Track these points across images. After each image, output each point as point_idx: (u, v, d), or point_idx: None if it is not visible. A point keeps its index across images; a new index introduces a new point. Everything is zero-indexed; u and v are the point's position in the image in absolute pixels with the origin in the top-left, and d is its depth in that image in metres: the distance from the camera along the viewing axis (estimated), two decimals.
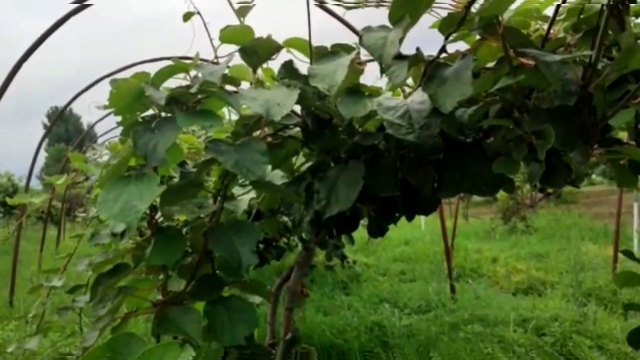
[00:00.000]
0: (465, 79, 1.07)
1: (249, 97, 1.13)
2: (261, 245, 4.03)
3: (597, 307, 4.94)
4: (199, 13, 1.57)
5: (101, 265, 1.20)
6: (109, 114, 1.24)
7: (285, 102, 1.10)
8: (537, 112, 1.18)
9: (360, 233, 10.07)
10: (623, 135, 1.60)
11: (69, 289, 2.39)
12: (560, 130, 1.11)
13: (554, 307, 5.07)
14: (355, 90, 1.31)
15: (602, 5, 1.03)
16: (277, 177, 1.70)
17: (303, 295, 3.57)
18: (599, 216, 12.44)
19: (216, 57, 1.34)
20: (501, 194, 12.56)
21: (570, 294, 5.63)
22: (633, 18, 1.43)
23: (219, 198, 1.29)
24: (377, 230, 1.91)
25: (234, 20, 1.42)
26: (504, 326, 4.48)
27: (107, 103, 1.14)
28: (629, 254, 1.65)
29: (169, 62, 1.25)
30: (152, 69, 1.24)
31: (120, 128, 1.24)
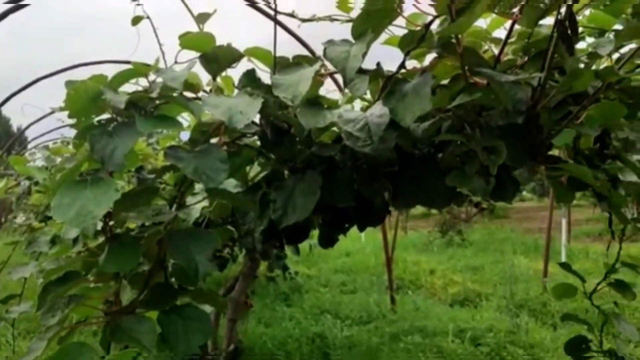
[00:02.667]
0: (424, 95, 1.10)
1: (212, 104, 1.12)
2: None
3: (529, 318, 5.16)
4: (148, 17, 1.54)
5: (51, 273, 1.15)
6: (44, 116, 1.20)
7: (247, 111, 1.11)
8: (488, 129, 1.24)
9: (302, 244, 10.07)
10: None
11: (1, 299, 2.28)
12: (510, 147, 1.16)
13: (488, 318, 5.26)
14: (315, 102, 1.33)
15: (553, 30, 1.09)
16: (231, 185, 1.69)
17: (246, 306, 3.54)
18: (529, 231, 13.00)
19: (176, 62, 1.32)
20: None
21: (504, 305, 5.85)
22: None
23: (174, 205, 1.27)
24: (327, 240, 1.93)
25: (188, 24, 1.41)
26: (442, 337, 4.60)
27: (62, 105, 1.11)
28: (566, 267, 1.74)
29: (115, 65, 1.23)
30: (96, 71, 1.21)
31: (55, 132, 1.20)
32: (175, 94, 1.16)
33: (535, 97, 1.20)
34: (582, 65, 1.37)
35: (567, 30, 1.06)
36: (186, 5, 1.47)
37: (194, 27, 1.39)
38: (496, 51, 1.48)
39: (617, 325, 1.60)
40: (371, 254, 10.04)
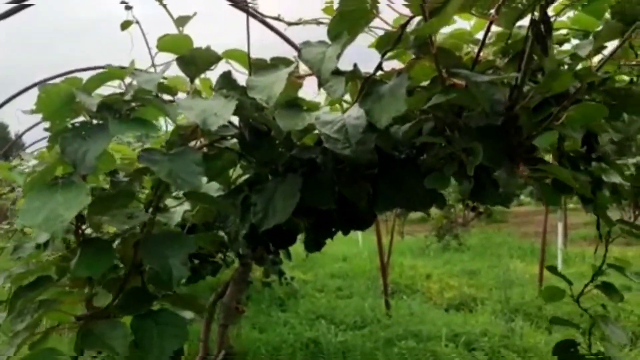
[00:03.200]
0: (400, 96, 1.10)
1: (186, 107, 1.11)
2: (196, 261, 3.93)
3: (523, 322, 5.14)
4: (137, 22, 1.53)
5: (21, 277, 1.14)
6: (40, 122, 1.19)
7: (222, 112, 1.10)
8: (467, 130, 1.23)
9: (299, 249, 10.06)
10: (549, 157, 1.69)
11: None
12: (488, 148, 1.15)
13: (483, 322, 5.23)
14: (293, 104, 1.32)
15: (528, 31, 1.09)
16: (213, 189, 1.68)
17: (238, 311, 3.52)
18: (526, 235, 12.99)
19: (153, 65, 1.31)
20: (435, 212, 12.91)
21: (499, 309, 5.83)
22: (557, 45, 1.53)
23: (150, 209, 1.25)
24: (314, 244, 1.92)
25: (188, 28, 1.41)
26: (437, 341, 4.58)
27: (34, 108, 1.10)
28: (552, 270, 1.73)
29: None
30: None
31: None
32: (150, 97, 1.15)
33: (512, 98, 1.19)
34: (566, 67, 1.37)
35: (542, 31, 1.06)
36: (165, 8, 1.46)
37: (193, 31, 1.38)
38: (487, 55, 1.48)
39: (604, 329, 1.59)
40: (368, 259, 10.02)
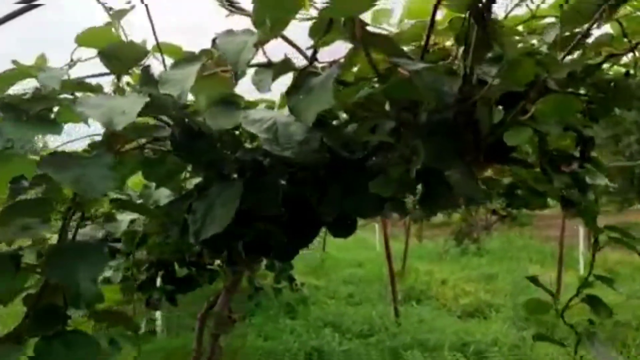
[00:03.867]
0: (327, 89, 0.97)
1: (91, 105, 1.00)
2: (193, 268, 3.84)
3: (536, 331, 4.92)
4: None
5: None
6: None
7: (130, 110, 0.98)
8: (416, 127, 1.10)
9: (314, 254, 9.90)
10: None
11: None
12: (434, 147, 1.02)
13: (496, 330, 5.03)
14: (228, 101, 1.20)
15: (469, 13, 0.95)
16: (163, 195, 1.56)
17: (230, 320, 3.41)
18: (549, 239, 12.63)
19: (72, 61, 1.21)
20: (455, 216, 12.66)
21: (513, 316, 5.61)
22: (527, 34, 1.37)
23: (67, 218, 1.14)
24: (285, 254, 1.82)
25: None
26: (444, 351, 4.40)
27: None
28: (534, 280, 1.57)
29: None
30: None
31: None
32: (55, 96, 1.04)
33: (464, 90, 1.05)
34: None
35: (481, 12, 0.92)
36: (101, 3, 1.35)
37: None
38: (444, 42, 1.34)
39: (589, 346, 1.43)
40: (383, 264, 9.83)
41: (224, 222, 1.22)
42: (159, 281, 3.93)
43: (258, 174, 1.33)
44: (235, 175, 1.33)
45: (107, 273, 2.42)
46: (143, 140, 1.31)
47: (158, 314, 5.75)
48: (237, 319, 3.53)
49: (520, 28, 1.35)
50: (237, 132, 1.40)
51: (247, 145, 1.38)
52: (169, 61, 1.24)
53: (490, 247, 11.86)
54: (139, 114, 0.99)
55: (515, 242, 12.39)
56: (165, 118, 1.23)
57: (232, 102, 1.20)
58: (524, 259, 9.64)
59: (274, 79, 1.06)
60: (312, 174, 1.33)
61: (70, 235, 1.21)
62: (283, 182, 1.42)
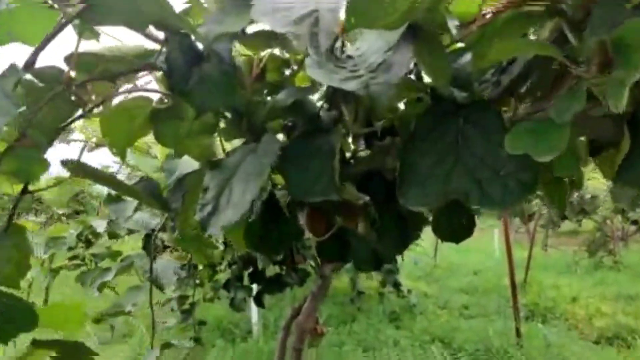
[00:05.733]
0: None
1: None
2: (283, 267, 3.43)
3: None
4: None
5: None
6: None
7: None
8: None
9: (424, 259, 9.23)
10: None
11: None
12: None
13: None
14: None
15: None
16: (192, 167, 1.11)
17: (317, 333, 2.94)
18: None
19: None
20: (587, 224, 11.30)
21: None
22: None
23: None
24: (367, 261, 1.33)
25: None
26: None
27: None
28: None
29: None
30: None
31: None
32: None
33: None
34: None
35: None
36: None
37: None
38: None
39: None
40: (503, 274, 8.88)
41: (244, 204, 0.72)
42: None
43: (311, 131, 0.83)
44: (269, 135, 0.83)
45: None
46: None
47: (254, 314, 5.45)
48: (324, 331, 3.05)
49: None
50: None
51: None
52: None
53: (629, 261, 10.37)
54: None
55: None
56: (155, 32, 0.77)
57: None
58: None
59: None
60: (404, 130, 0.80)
61: None
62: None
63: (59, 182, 2.18)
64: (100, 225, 1.73)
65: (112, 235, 1.88)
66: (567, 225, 12.86)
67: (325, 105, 0.83)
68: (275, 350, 2.96)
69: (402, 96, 0.77)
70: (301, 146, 0.77)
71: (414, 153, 0.66)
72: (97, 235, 1.89)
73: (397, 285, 6.42)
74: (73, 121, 0.79)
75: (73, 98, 0.77)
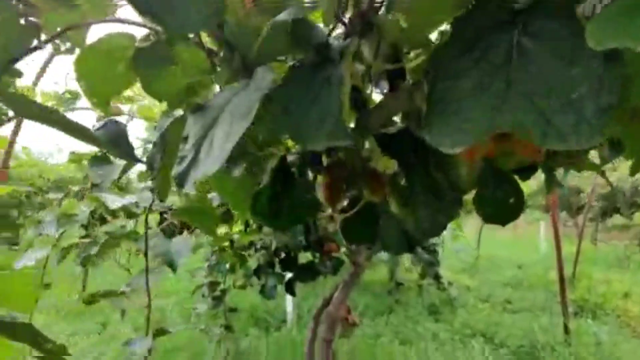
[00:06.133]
0: None
1: None
2: (315, 254, 3.27)
3: None
4: None
5: None
6: None
7: None
8: None
9: (466, 250, 8.93)
10: None
11: None
12: None
13: None
14: None
15: None
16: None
17: (349, 324, 2.77)
18: None
19: None
20: (639, 218, 10.72)
21: None
22: None
23: None
24: (396, 243, 1.18)
25: None
26: None
27: None
28: None
29: None
30: None
31: None
32: None
33: None
34: None
35: None
36: None
37: None
38: None
39: None
40: (548, 268, 8.50)
41: (223, 152, 0.56)
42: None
43: (314, 62, 0.65)
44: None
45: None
46: None
47: (289, 302, 5.32)
48: (357, 321, 2.88)
49: None
50: None
51: None
52: None
53: None
54: None
55: None
56: None
57: None
58: None
59: None
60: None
61: None
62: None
63: (76, 159, 2.08)
64: (114, 202, 1.59)
65: (130, 214, 1.76)
66: (617, 219, 12.28)
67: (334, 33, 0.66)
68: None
69: (440, 13, 0.58)
70: (303, 77, 0.60)
71: (446, 74, 0.48)
72: (113, 213, 1.76)
73: (437, 278, 6.18)
74: (27, 54, 0.64)
75: (23, 22, 0.62)
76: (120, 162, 1.13)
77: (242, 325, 5.15)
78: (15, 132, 2.56)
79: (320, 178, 0.95)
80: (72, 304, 5.92)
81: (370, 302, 6.00)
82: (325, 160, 0.94)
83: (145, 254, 1.27)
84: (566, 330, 4.48)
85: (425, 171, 0.92)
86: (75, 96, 1.57)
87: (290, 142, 0.97)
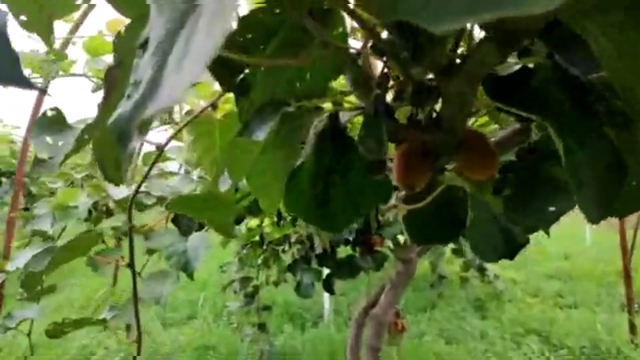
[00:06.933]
0: None
1: None
2: (356, 248, 2.95)
3: None
4: None
5: None
6: None
7: None
8: None
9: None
10: None
11: None
12: None
13: None
14: None
15: None
16: None
17: (397, 329, 2.45)
18: None
19: None
20: None
21: None
22: None
23: None
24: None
25: None
26: None
27: None
28: None
29: None
30: None
31: None
32: None
33: None
34: None
35: None
36: None
37: None
38: None
39: None
40: (599, 259, 8.00)
41: (208, 52, 0.21)
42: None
43: None
44: None
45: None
46: None
47: (326, 298, 5.03)
48: (405, 326, 2.56)
49: None
50: None
51: None
52: None
53: None
54: None
55: None
56: None
57: None
58: None
59: None
60: None
61: None
62: None
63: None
64: (119, 192, 1.31)
65: (138, 206, 1.48)
66: None
67: None
68: (347, 338, 2.51)
69: None
70: None
71: None
72: (120, 204, 1.47)
73: (481, 270, 5.79)
74: None
75: None
76: (76, 128, 0.79)
77: (277, 321, 4.88)
78: None
79: (392, 147, 0.62)
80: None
81: (410, 297, 5.66)
82: (399, 117, 0.62)
83: (131, 265, 0.97)
84: (632, 329, 4.05)
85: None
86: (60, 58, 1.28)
87: (343, 97, 0.65)
